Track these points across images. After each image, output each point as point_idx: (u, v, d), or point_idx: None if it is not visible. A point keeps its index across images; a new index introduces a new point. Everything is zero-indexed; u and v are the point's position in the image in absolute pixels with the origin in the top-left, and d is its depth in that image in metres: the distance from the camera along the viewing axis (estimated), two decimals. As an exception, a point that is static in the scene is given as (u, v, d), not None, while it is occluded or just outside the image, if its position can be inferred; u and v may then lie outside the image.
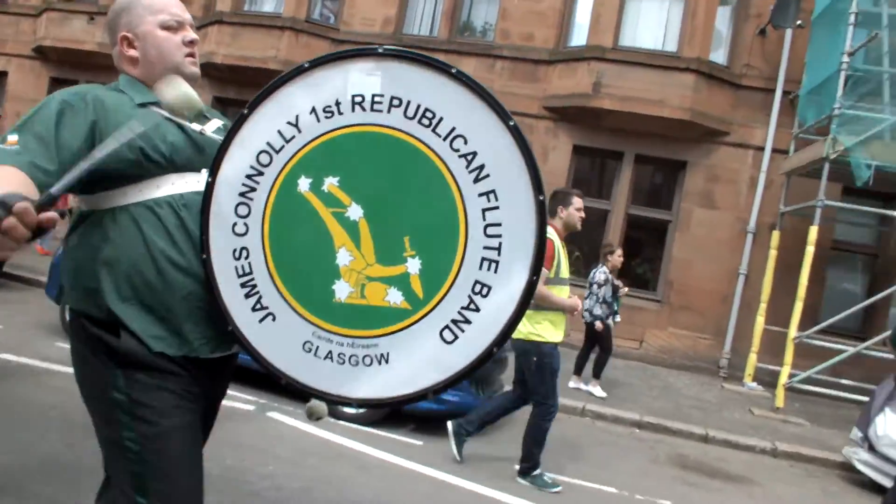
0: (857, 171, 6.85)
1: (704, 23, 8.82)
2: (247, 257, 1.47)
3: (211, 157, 1.52)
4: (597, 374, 6.78)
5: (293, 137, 1.45)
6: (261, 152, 1.47)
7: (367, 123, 1.42)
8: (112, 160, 1.35)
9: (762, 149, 9.10)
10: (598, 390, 6.70)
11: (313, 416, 1.60)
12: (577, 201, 4.02)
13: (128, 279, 1.44)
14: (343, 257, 1.43)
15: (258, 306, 1.47)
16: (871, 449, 5.25)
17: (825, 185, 7.33)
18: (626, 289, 7.22)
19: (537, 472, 4.04)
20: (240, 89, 10.86)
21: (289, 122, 1.45)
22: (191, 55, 1.59)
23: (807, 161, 7.73)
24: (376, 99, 1.42)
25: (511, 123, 1.37)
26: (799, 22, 8.39)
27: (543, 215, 1.35)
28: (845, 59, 7.20)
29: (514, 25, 9.88)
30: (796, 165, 8.11)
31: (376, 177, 1.42)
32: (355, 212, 1.43)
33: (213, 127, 1.61)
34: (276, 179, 1.46)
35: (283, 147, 1.46)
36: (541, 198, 1.35)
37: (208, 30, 10.79)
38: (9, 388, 4.25)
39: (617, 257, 6.84)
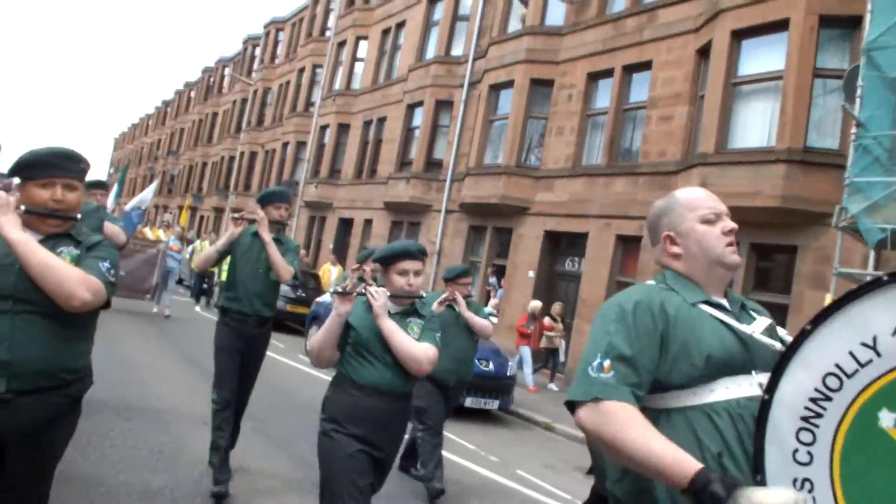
0: None
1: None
2: (810, 490, 1.31)
3: (758, 358, 1.48)
4: None
5: (870, 362, 1.28)
6: (828, 374, 1.31)
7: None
8: (680, 378, 1.43)
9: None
10: None
11: None
12: None
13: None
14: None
15: (819, 546, 1.28)
16: None
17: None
18: None
19: None
20: (483, 220, 14.63)
21: (863, 344, 1.28)
22: (730, 244, 1.60)
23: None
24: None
25: None
26: None
27: None
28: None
29: (651, 146, 11.75)
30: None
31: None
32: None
33: (761, 327, 1.54)
34: (847, 408, 1.30)
35: (856, 371, 1.29)
36: None
37: (464, 181, 14.84)
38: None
39: None
